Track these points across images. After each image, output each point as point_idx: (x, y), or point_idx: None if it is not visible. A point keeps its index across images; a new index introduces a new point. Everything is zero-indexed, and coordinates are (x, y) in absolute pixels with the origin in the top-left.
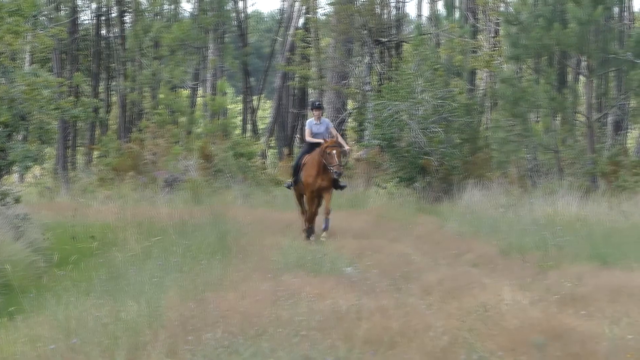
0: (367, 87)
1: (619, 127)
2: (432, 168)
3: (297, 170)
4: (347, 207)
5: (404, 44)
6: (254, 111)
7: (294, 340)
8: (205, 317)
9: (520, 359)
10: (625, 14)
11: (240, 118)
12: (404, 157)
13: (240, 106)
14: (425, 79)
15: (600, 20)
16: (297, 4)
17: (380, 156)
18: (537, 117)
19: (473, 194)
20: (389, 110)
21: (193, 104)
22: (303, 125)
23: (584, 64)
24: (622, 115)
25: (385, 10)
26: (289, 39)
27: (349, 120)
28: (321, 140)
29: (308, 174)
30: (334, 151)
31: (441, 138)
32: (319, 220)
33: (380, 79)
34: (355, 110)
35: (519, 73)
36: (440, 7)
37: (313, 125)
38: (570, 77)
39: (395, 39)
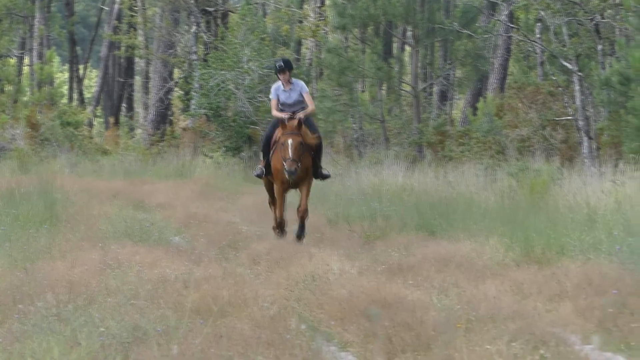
0: (194, 57)
1: (445, 97)
2: (258, 138)
3: (267, 148)
4: (174, 176)
5: (231, 13)
6: (80, 80)
7: (124, 310)
8: (34, 286)
9: (350, 328)
10: None
11: (66, 87)
12: (230, 127)
13: (66, 75)
14: (252, 49)
15: None
16: None
17: (206, 125)
18: (363, 87)
19: None
20: (216, 79)
21: (20, 72)
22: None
23: (410, 33)
24: (447, 85)
25: None
26: (116, 7)
27: (176, 89)
28: (283, 116)
29: (278, 159)
30: (290, 140)
31: (268, 107)
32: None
33: (207, 48)
34: (181, 80)
35: (345, 43)
36: None
37: (281, 92)
38: (396, 47)
39: (222, 8)
